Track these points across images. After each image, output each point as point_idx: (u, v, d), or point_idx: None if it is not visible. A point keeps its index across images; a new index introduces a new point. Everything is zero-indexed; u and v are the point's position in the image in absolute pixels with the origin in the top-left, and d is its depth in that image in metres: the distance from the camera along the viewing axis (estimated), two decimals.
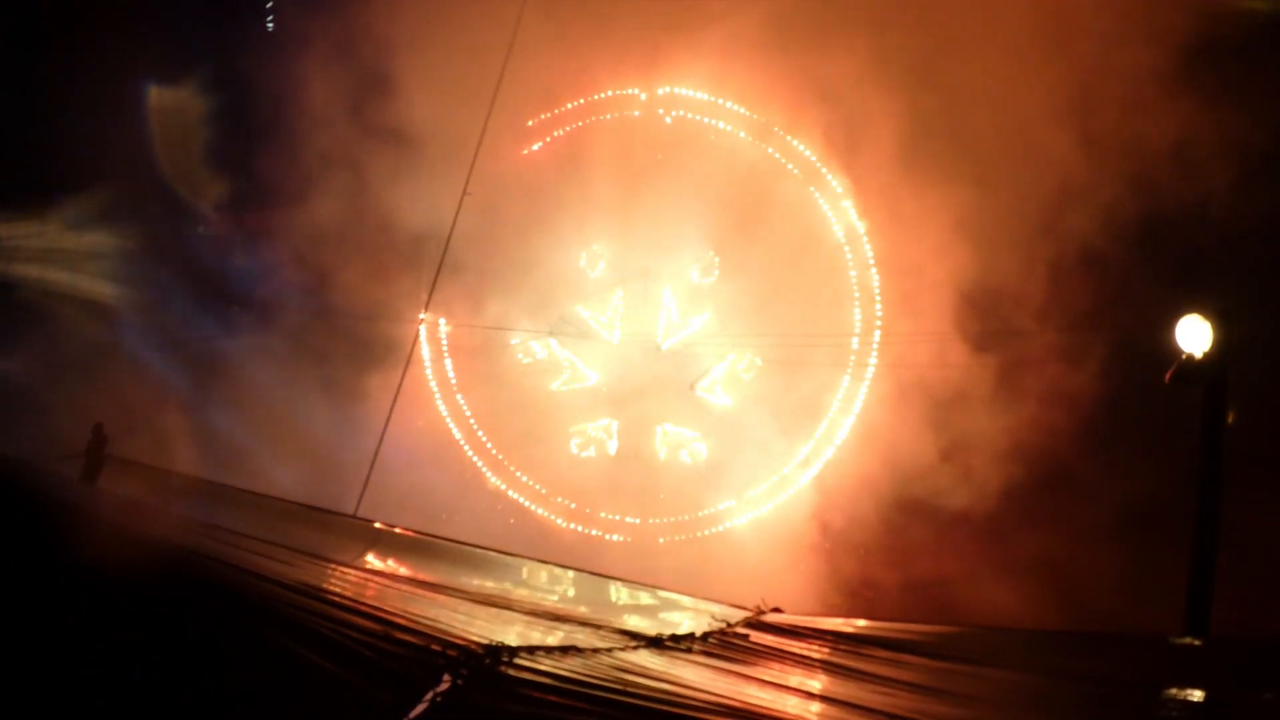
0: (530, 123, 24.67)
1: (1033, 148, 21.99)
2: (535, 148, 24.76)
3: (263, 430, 23.77)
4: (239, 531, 14.79)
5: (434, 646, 8.07)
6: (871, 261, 23.85)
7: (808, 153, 24.04)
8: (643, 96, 24.55)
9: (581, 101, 24.70)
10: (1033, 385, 22.58)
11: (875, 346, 23.86)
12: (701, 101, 24.31)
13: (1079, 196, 22.35)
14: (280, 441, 23.41)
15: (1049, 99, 21.67)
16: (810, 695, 9.83)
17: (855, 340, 23.83)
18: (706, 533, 24.05)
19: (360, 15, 24.49)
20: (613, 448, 24.84)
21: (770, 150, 24.14)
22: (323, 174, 24.02)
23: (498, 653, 7.97)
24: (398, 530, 19.55)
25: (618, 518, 24.18)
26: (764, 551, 23.51)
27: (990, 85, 21.86)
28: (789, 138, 24.10)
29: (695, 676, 9.49)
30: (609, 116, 24.68)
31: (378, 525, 19.62)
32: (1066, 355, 22.50)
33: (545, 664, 8.18)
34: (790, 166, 24.07)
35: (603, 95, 24.66)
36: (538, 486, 24.52)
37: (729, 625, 12.17)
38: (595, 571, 17.87)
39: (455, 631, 9.29)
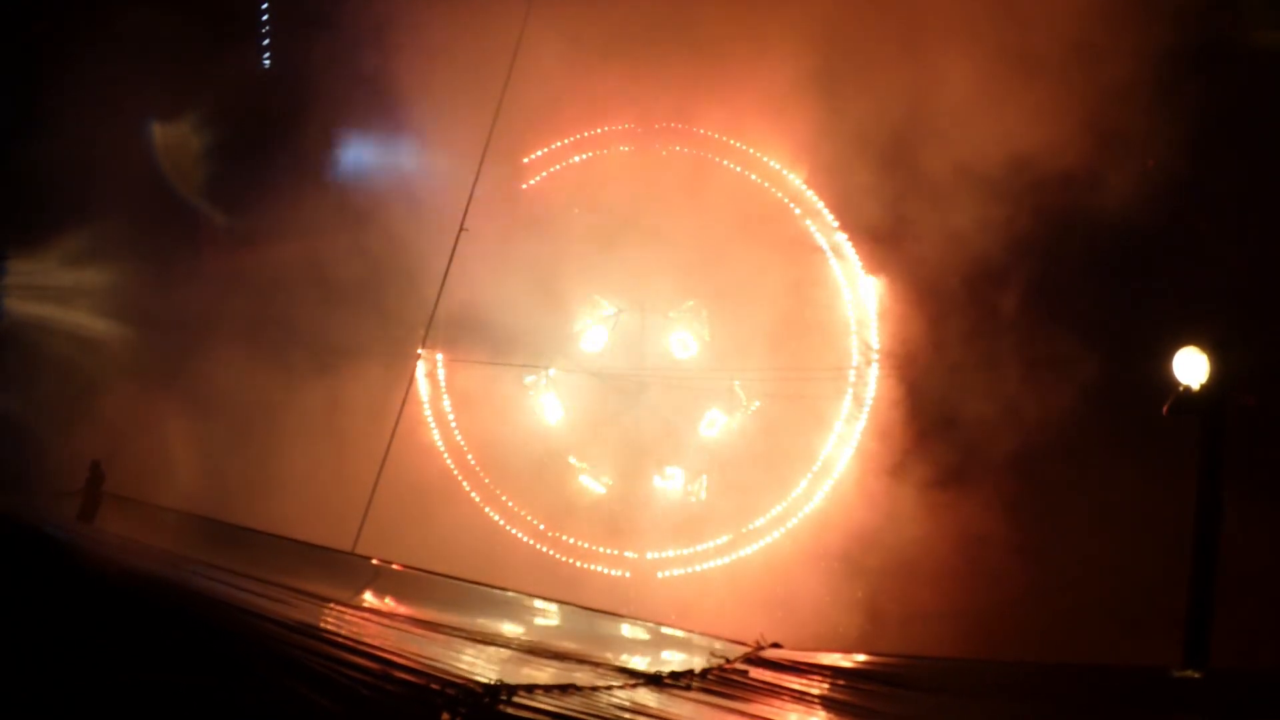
0: (526, 159, 24.74)
1: (1032, 180, 22.05)
2: (532, 183, 24.90)
3: (259, 466, 23.66)
4: (236, 570, 14.96)
5: (433, 685, 8.06)
6: (867, 294, 23.89)
7: (803, 187, 24.17)
8: (638, 131, 24.68)
9: (576, 137, 24.78)
10: (1030, 417, 22.54)
11: (872, 380, 23.82)
12: (696, 135, 24.44)
13: (1076, 228, 22.48)
14: (277, 478, 23.28)
15: (1048, 131, 21.64)
16: None
17: (852, 373, 23.84)
18: (704, 567, 23.96)
19: (356, 53, 24.58)
20: (611, 482, 24.78)
21: (766, 184, 24.23)
22: (320, 210, 24.09)
23: (496, 692, 7.96)
24: (395, 567, 19.42)
25: (616, 552, 24.15)
26: (763, 586, 23.43)
27: (989, 122, 21.89)
28: (785, 171, 24.21)
29: (694, 715, 9.47)
30: (605, 151, 24.79)
31: (375, 562, 19.52)
32: (1065, 386, 22.47)
33: (544, 703, 8.16)
34: (786, 201, 24.18)
35: (597, 131, 24.77)
36: (536, 522, 24.46)
37: (728, 661, 12.13)
38: (594, 607, 17.81)
39: (454, 670, 9.30)
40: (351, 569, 19.17)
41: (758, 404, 24.37)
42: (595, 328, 24.81)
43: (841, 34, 22.70)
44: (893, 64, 22.70)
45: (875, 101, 22.82)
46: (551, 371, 24.77)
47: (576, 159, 24.85)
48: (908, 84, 22.49)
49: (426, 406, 24.79)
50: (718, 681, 10.93)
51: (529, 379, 24.72)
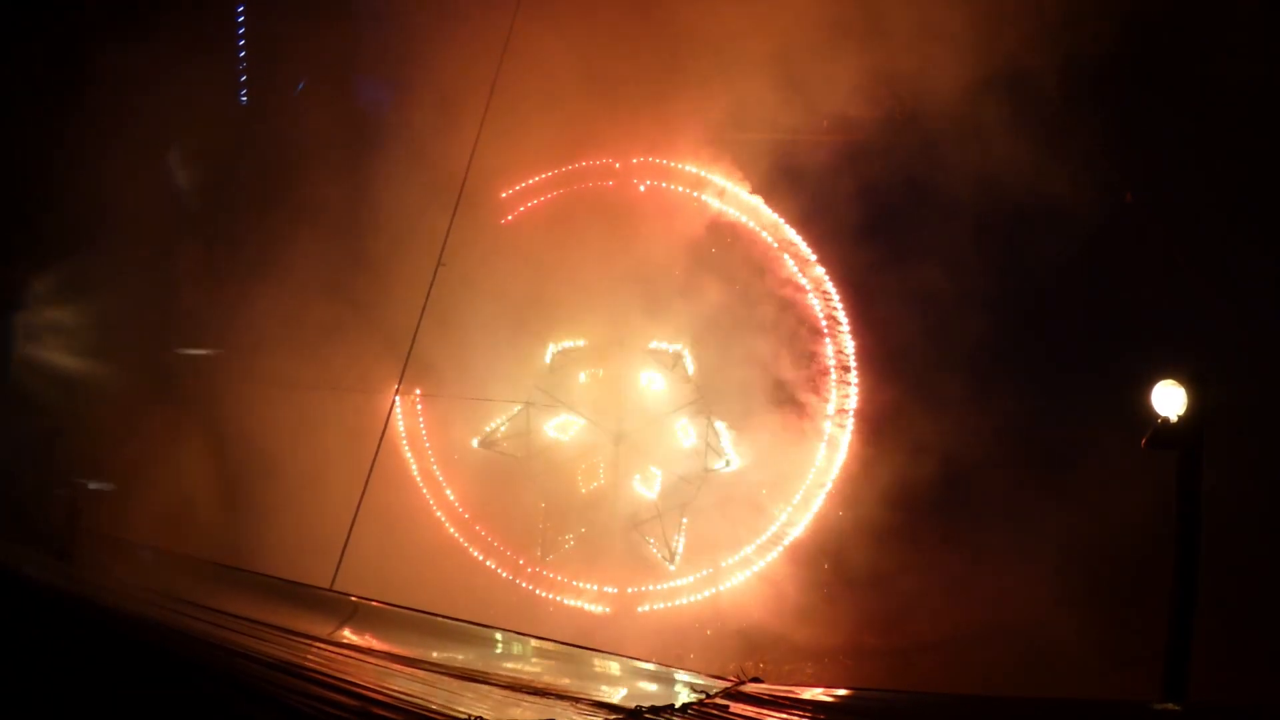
0: (504, 194, 24.82)
1: (1008, 213, 22.52)
2: (510, 218, 24.99)
3: (237, 504, 23.82)
4: (213, 606, 14.87)
5: None
6: (846, 328, 24.09)
7: (781, 221, 24.33)
8: (617, 166, 24.76)
9: (555, 172, 24.95)
10: (1010, 450, 22.86)
11: (851, 412, 23.94)
12: (675, 170, 24.55)
13: (1051, 260, 22.77)
14: (254, 514, 23.41)
15: (1026, 162, 21.78)
16: None
17: (831, 407, 23.94)
18: (685, 601, 24.05)
19: (334, 87, 25.20)
20: (589, 517, 24.81)
21: (744, 219, 24.36)
22: (297, 245, 24.20)
23: None
24: (374, 603, 19.17)
25: (595, 587, 24.20)
26: (742, 620, 23.64)
27: (971, 153, 22.22)
28: (763, 205, 24.35)
29: None
30: (586, 185, 24.95)
31: (354, 598, 19.39)
32: (1045, 416, 22.77)
33: None
34: (764, 235, 24.33)
35: (577, 165, 24.91)
36: (516, 558, 24.56)
37: (708, 696, 12.08)
38: (573, 643, 17.76)
39: (433, 707, 9.36)
40: (330, 605, 19.00)
41: (737, 436, 24.38)
42: (574, 362, 24.91)
43: (829, 63, 22.93)
44: (880, 98, 22.93)
45: (861, 138, 23.71)
46: (528, 409, 24.80)
47: (554, 194, 25.04)
48: (891, 120, 22.72)
49: (404, 441, 24.91)
50: (698, 717, 10.92)
51: (508, 414, 24.79)
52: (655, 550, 24.42)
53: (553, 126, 24.09)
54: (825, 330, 24.17)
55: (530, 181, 24.98)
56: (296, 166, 24.45)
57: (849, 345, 24.13)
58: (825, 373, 24.13)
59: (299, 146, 24.54)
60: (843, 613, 23.47)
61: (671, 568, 24.32)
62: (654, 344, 24.65)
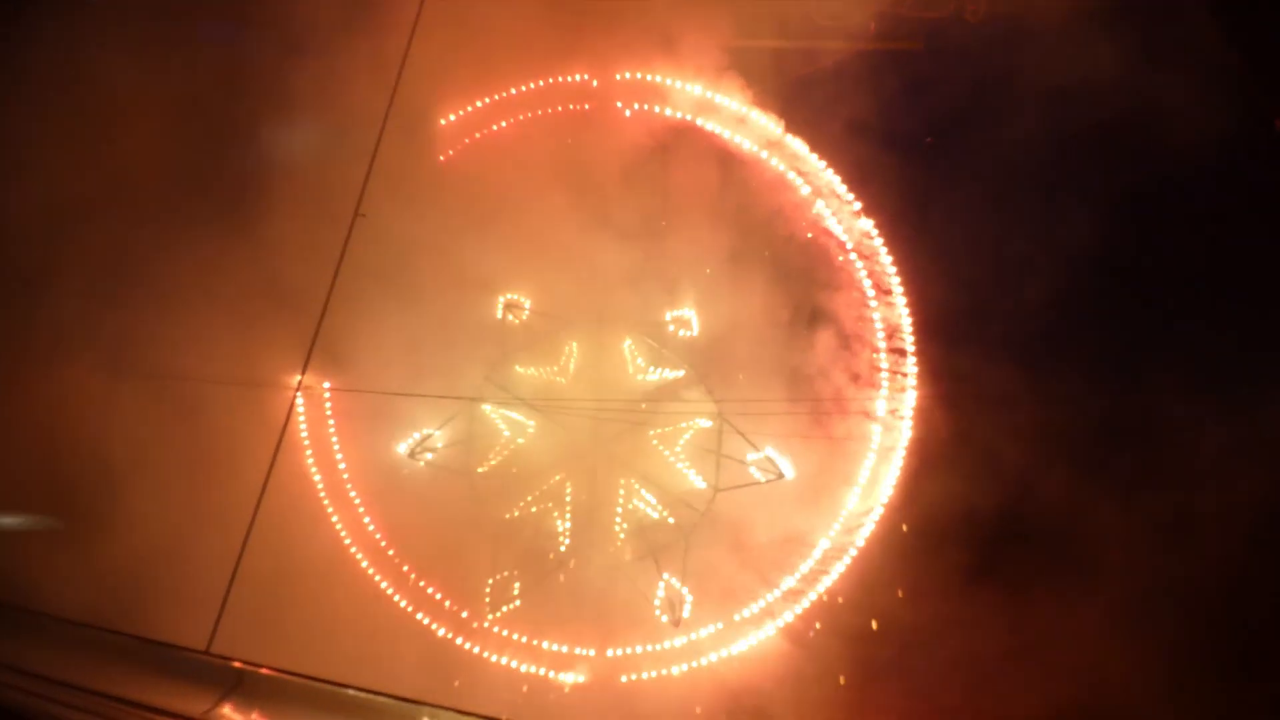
0: (444, 122, 23.33)
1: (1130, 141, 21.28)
2: (451, 153, 23.46)
3: (78, 532, 21.98)
4: (44, 675, 13.60)
5: None
6: (902, 298, 22.50)
7: (813, 155, 22.86)
8: (595, 84, 23.27)
9: (513, 92, 23.48)
10: (1124, 468, 21.66)
11: (908, 412, 22.27)
12: (670, 89, 23.11)
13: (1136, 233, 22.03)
14: (104, 550, 21.39)
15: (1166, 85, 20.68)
16: None
17: (881, 404, 22.24)
18: (683, 668, 22.31)
19: None
20: (558, 551, 23.17)
21: (764, 154, 22.91)
22: (179, 196, 22.82)
23: None
24: (264, 670, 16.97)
25: (566, 649, 22.38)
26: (758, 695, 21.83)
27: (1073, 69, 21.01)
28: (788, 136, 22.91)
29: None
30: (553, 110, 23.54)
31: (238, 664, 17.18)
32: (1178, 422, 21.29)
33: None
34: (791, 175, 22.82)
35: (541, 83, 23.46)
36: (458, 609, 22.77)
37: None
38: None
39: None
40: (207, 673, 16.86)
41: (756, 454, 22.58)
42: (539, 345, 23.39)
43: None
44: None
45: (915, 45, 23.05)
46: (482, 408, 23.17)
47: (510, 121, 23.55)
48: (958, 20, 22.80)
49: (309, 452, 23.04)
50: None
51: (450, 413, 23.04)
52: (654, 601, 22.67)
53: (509, 32, 22.54)
54: (873, 302, 22.46)
55: (478, 105, 23.46)
56: (168, 84, 22.84)
57: (905, 322, 22.42)
58: (874, 359, 22.43)
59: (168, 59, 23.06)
60: (894, 688, 21.80)
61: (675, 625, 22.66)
62: (644, 320, 23.20)
